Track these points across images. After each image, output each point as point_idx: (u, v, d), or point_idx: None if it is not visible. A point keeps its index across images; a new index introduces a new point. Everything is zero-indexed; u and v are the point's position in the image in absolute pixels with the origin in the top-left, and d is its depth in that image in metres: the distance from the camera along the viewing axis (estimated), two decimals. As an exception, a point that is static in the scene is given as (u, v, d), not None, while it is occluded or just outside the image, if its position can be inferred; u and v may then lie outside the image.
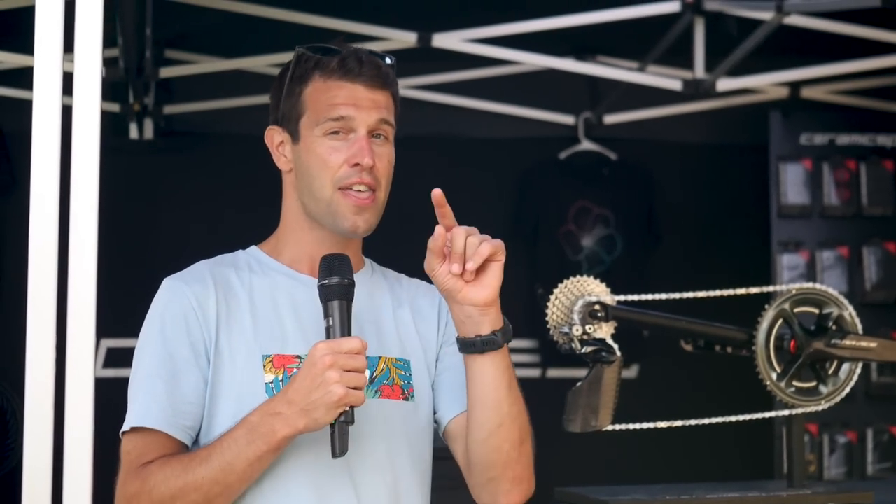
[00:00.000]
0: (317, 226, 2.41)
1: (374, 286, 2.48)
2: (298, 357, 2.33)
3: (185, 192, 5.95)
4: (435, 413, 2.46)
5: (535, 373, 6.27)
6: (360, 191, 2.35)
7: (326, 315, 2.25)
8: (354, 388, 2.18)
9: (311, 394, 2.17)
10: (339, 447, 2.21)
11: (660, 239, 6.29)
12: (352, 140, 2.35)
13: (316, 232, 2.41)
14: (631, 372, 6.35)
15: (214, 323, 2.33)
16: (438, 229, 2.23)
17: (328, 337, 2.23)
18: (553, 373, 6.17)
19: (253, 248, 2.48)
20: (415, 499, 2.41)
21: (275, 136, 2.44)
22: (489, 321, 2.28)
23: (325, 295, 2.26)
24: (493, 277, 2.25)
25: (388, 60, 2.42)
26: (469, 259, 2.22)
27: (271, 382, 2.30)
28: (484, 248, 2.22)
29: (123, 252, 5.76)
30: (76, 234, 2.06)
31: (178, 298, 2.34)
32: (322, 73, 2.38)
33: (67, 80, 2.15)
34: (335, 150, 2.35)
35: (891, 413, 5.84)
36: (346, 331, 2.24)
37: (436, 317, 2.50)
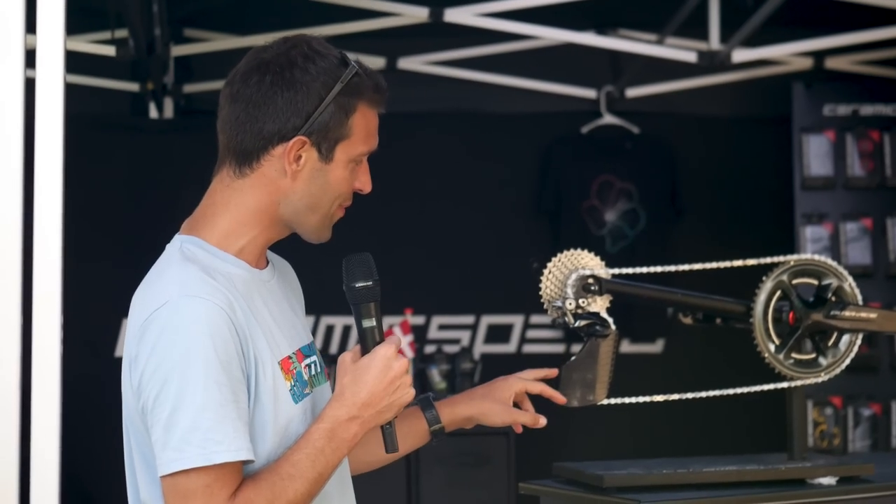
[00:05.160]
0: (277, 225, 2.32)
1: (283, 276, 2.44)
2: (289, 357, 2.30)
3: (205, 171, 5.90)
4: None
5: (558, 348, 6.27)
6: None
7: (363, 317, 2.27)
8: None
9: (389, 396, 2.23)
10: (395, 443, 2.31)
11: (683, 213, 6.26)
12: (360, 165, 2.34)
13: (272, 230, 2.33)
14: (656, 347, 6.34)
15: (246, 334, 2.22)
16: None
17: (369, 339, 2.27)
18: (577, 349, 6.12)
19: (197, 240, 2.32)
20: None
21: (299, 149, 2.27)
22: None
23: (362, 297, 2.27)
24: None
25: None
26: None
27: (290, 388, 2.28)
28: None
29: (145, 233, 5.77)
30: (40, 216, 2.04)
31: (219, 316, 2.18)
32: (366, 102, 2.29)
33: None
34: (352, 174, 2.32)
35: (915, 385, 5.80)
36: (382, 332, 2.28)
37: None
